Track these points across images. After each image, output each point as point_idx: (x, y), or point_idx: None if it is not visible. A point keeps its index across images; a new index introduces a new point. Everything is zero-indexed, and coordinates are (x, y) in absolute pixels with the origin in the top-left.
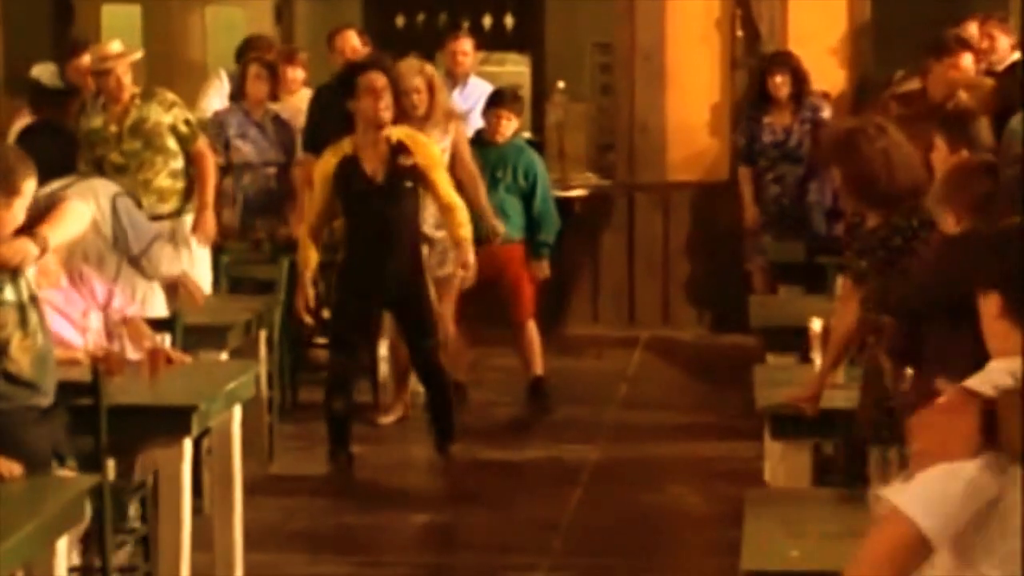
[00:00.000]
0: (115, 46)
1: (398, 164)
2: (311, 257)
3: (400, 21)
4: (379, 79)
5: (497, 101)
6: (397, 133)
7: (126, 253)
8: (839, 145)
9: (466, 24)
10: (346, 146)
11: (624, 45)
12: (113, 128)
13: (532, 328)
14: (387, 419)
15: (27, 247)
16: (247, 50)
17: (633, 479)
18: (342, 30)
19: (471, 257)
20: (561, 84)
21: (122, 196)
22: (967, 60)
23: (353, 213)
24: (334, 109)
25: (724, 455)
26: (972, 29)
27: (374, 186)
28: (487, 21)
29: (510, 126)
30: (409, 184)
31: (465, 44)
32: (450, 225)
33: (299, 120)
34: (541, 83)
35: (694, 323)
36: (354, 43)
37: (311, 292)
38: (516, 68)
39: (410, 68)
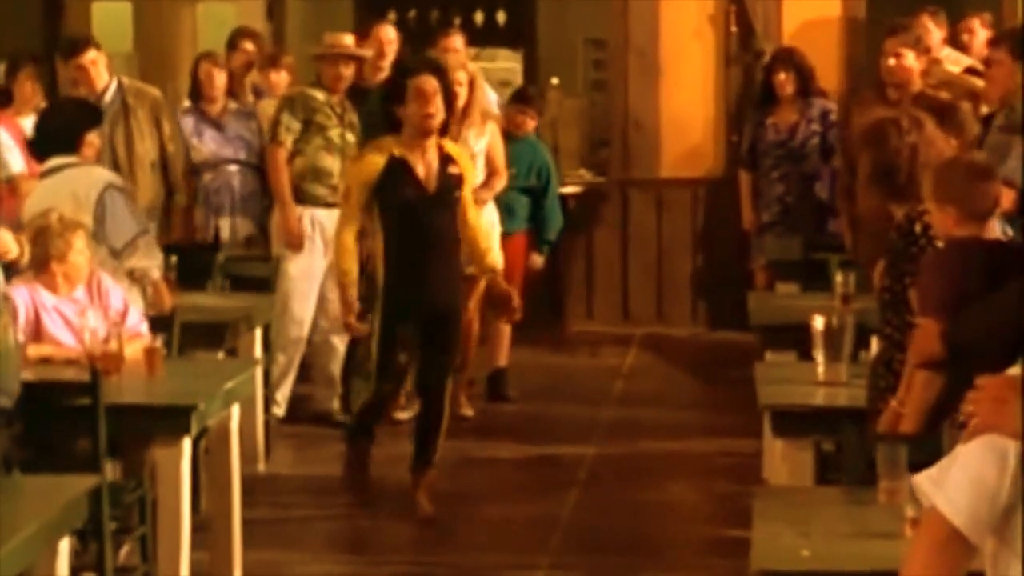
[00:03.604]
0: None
1: (449, 172)
2: (353, 269)
3: (392, 18)
4: (430, 82)
5: (522, 99)
6: (445, 144)
7: (107, 246)
8: (869, 133)
9: (457, 21)
10: (391, 147)
11: (618, 41)
12: (338, 109)
13: None
14: (404, 414)
15: (11, 239)
16: (235, 41)
17: (631, 477)
18: (381, 23)
19: (512, 291)
20: (555, 80)
21: (114, 189)
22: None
23: (399, 222)
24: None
25: (721, 452)
26: (975, 25)
27: (427, 194)
28: (479, 17)
29: (531, 126)
30: (457, 194)
31: (455, 41)
32: (477, 250)
33: None
34: (533, 79)
35: (688, 320)
36: (390, 36)
37: (357, 306)
38: (507, 64)
39: (455, 61)
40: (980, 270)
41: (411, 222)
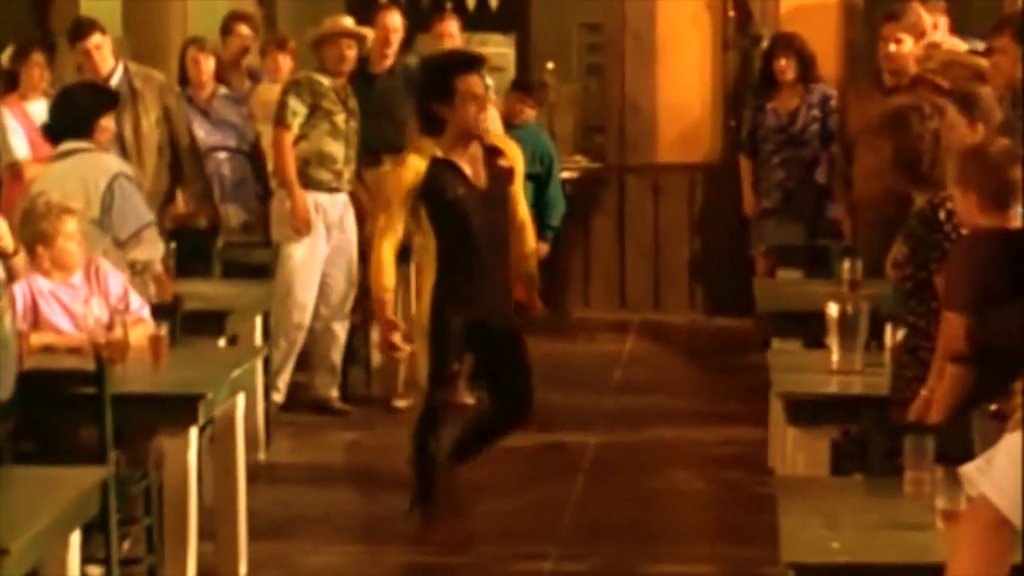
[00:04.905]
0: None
1: (499, 166)
2: (392, 285)
3: (383, 1)
4: (479, 84)
5: (523, 88)
6: (486, 135)
7: (111, 235)
8: (891, 119)
9: (449, 5)
10: (432, 149)
11: (615, 25)
12: (342, 94)
13: None
14: (403, 402)
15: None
16: (230, 25)
17: (635, 465)
18: (387, 10)
19: (536, 298)
20: (550, 65)
21: (124, 179)
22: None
23: (450, 225)
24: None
25: (724, 440)
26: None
27: (477, 192)
28: (471, 1)
29: (530, 115)
30: (508, 189)
31: (451, 26)
32: (521, 250)
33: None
34: (526, 65)
35: (685, 307)
36: (395, 23)
37: (398, 322)
38: (499, 49)
39: (453, 46)
40: (1005, 262)
41: (464, 222)
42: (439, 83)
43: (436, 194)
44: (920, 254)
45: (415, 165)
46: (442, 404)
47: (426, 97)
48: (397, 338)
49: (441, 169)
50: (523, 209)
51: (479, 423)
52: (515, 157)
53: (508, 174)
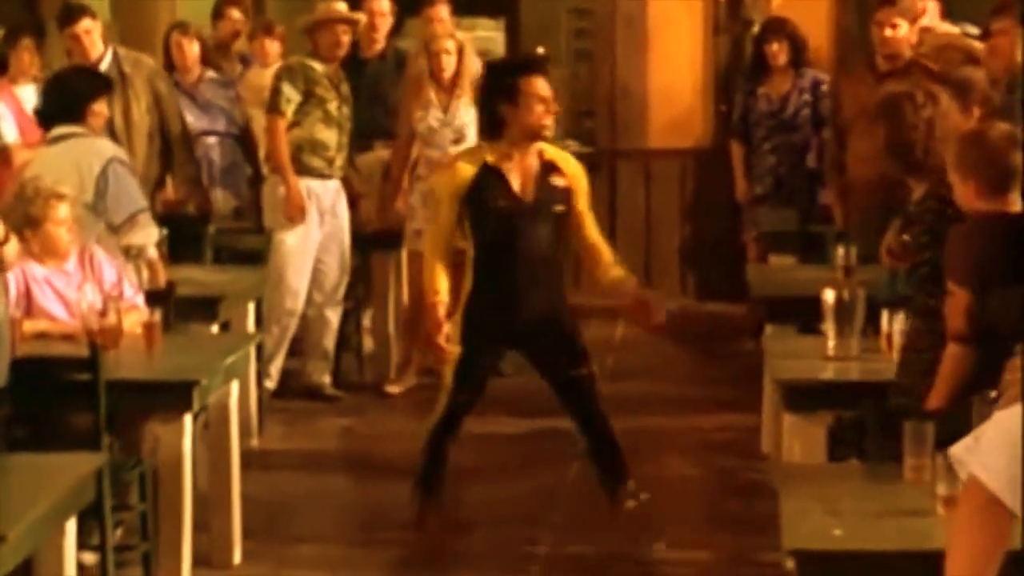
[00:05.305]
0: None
1: (551, 183)
2: (444, 289)
3: None
4: (546, 87)
5: None
6: (548, 150)
7: (105, 220)
8: (884, 107)
9: None
10: (484, 155)
11: (606, 9)
12: (335, 80)
13: None
14: (395, 388)
15: None
16: (221, 9)
17: (630, 451)
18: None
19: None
20: (541, 49)
21: (118, 163)
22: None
23: (489, 234)
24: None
25: (718, 426)
26: None
27: (521, 204)
28: None
29: None
30: (560, 208)
31: (441, 10)
32: (600, 266)
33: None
34: (515, 49)
35: (677, 292)
36: (383, 7)
37: (447, 328)
38: (488, 34)
39: (444, 30)
40: (1004, 248)
41: (502, 233)
42: (505, 84)
43: (479, 202)
44: (940, 235)
45: (464, 170)
46: (465, 407)
47: (490, 97)
48: (443, 340)
49: (487, 177)
50: (591, 229)
51: (590, 449)
52: (575, 175)
53: (561, 193)
